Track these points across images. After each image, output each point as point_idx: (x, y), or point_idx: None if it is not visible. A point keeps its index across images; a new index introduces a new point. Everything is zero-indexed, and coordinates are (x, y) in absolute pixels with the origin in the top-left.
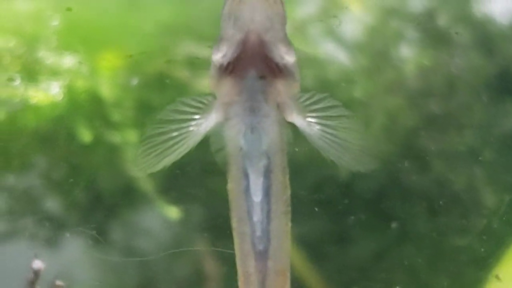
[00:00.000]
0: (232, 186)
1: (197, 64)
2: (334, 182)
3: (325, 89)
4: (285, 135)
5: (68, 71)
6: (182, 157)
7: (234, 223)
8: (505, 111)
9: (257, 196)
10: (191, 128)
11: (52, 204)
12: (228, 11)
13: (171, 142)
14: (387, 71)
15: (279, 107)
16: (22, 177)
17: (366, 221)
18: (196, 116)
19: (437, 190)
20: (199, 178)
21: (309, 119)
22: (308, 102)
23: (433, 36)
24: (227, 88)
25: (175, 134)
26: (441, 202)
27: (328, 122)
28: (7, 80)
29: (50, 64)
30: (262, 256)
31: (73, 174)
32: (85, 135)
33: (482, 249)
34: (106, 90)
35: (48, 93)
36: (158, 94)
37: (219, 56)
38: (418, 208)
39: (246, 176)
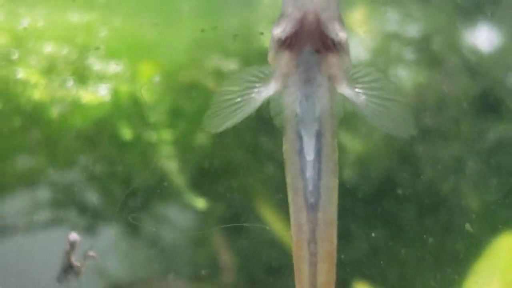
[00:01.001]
0: (288, 147)
1: (222, 75)
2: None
3: None
4: (336, 104)
5: (113, 76)
6: (212, 159)
7: (289, 179)
8: (487, 125)
9: (309, 155)
10: (252, 95)
11: (94, 195)
12: None
13: (234, 107)
14: None
15: (331, 79)
16: (68, 171)
17: (365, 219)
18: (257, 85)
19: (427, 193)
20: (225, 176)
21: (357, 90)
22: (356, 75)
23: (428, 58)
24: (285, 60)
25: (238, 99)
26: (429, 204)
27: (373, 93)
28: (61, 83)
29: (97, 70)
30: (313, 208)
31: (114, 168)
32: (126, 134)
33: (463, 249)
34: (145, 94)
35: (96, 95)
36: (189, 100)
37: (279, 31)
38: (409, 209)
39: (300, 138)
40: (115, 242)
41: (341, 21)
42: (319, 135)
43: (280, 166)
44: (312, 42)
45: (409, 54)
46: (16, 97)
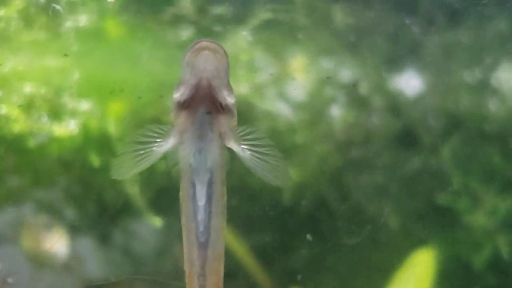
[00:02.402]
0: (183, 193)
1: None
2: (280, 205)
3: (275, 137)
4: (225, 156)
5: (84, 112)
6: (164, 183)
7: (183, 221)
8: (406, 157)
9: (201, 201)
10: (154, 148)
11: (70, 212)
12: (187, 61)
13: (138, 158)
14: (321, 125)
15: (221, 136)
16: (47, 192)
17: (302, 234)
18: (158, 140)
19: (355, 214)
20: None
21: (242, 146)
22: (242, 133)
23: (357, 100)
24: (183, 119)
25: (141, 152)
26: (357, 222)
27: (255, 149)
28: (38, 118)
29: (71, 107)
30: (204, 246)
31: (85, 190)
32: (95, 162)
33: (386, 260)
34: (112, 128)
35: (67, 129)
36: None
37: (178, 95)
38: (340, 226)
39: (193, 185)
40: (90, 250)
41: (230, 88)
42: (210, 183)
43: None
44: (205, 105)
45: (340, 96)
46: (0, 129)
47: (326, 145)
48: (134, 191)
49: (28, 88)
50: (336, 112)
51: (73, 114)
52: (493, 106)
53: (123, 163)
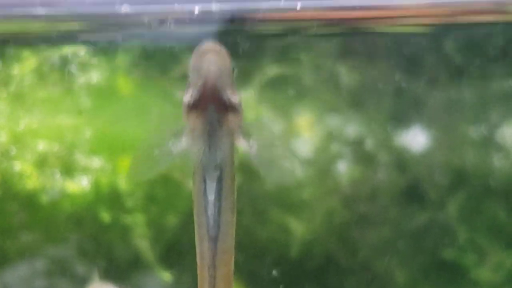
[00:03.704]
0: (195, 188)
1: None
2: (287, 260)
3: (283, 192)
4: (234, 153)
5: (96, 169)
6: (173, 238)
7: (195, 216)
8: (413, 213)
9: (211, 196)
10: (169, 148)
11: (82, 267)
12: (193, 65)
13: (154, 158)
14: (328, 181)
15: (230, 133)
16: (59, 248)
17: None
18: (172, 139)
19: (362, 268)
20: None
21: (251, 142)
22: (251, 130)
23: (363, 156)
24: (193, 119)
25: (157, 152)
26: (364, 277)
27: (263, 144)
28: (50, 175)
29: (82, 164)
30: (214, 239)
31: (96, 246)
32: (106, 217)
33: None
34: (123, 183)
35: (80, 185)
36: (162, 188)
37: (188, 96)
38: (347, 281)
39: (204, 181)
40: None
41: (233, 87)
42: (219, 179)
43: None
44: (212, 103)
45: (347, 152)
46: (13, 186)
47: (333, 200)
48: (143, 246)
49: (41, 146)
50: (343, 168)
51: (85, 170)
52: (498, 161)
53: (140, 164)
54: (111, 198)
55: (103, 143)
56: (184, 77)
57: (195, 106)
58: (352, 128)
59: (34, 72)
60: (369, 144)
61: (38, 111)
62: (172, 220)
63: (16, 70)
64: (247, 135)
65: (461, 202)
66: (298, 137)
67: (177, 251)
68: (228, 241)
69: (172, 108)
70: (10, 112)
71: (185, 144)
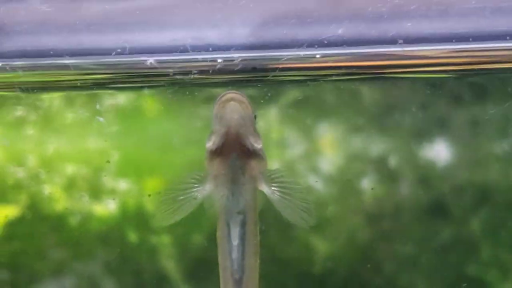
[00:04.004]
0: (219, 233)
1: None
2: (309, 276)
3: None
4: (257, 198)
5: (122, 191)
6: (199, 256)
7: (220, 260)
8: (437, 229)
9: (235, 240)
10: (193, 193)
11: (109, 286)
12: (215, 113)
13: (179, 204)
14: (350, 198)
15: (252, 179)
16: (88, 266)
17: None
18: (196, 185)
19: (387, 285)
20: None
21: (273, 188)
22: (273, 176)
23: (386, 173)
24: (216, 166)
25: (181, 198)
26: None
27: (284, 191)
28: (78, 197)
29: (109, 186)
30: (238, 283)
31: (123, 265)
32: (133, 237)
33: None
34: (149, 205)
35: (107, 207)
36: None
37: (211, 144)
38: None
39: (228, 226)
40: None
41: (256, 134)
42: (242, 224)
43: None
44: (235, 151)
45: (370, 170)
46: (43, 208)
47: (357, 218)
48: (170, 265)
49: (69, 169)
50: (366, 185)
51: (112, 193)
52: None
53: (165, 208)
54: (138, 218)
55: (129, 166)
56: (210, 100)
57: (218, 153)
58: (375, 146)
59: (62, 98)
60: (393, 161)
61: (66, 135)
62: (197, 240)
63: (44, 94)
64: (269, 181)
65: (485, 218)
66: (321, 156)
67: (202, 270)
68: (252, 284)
69: (196, 131)
70: (39, 138)
71: (208, 189)
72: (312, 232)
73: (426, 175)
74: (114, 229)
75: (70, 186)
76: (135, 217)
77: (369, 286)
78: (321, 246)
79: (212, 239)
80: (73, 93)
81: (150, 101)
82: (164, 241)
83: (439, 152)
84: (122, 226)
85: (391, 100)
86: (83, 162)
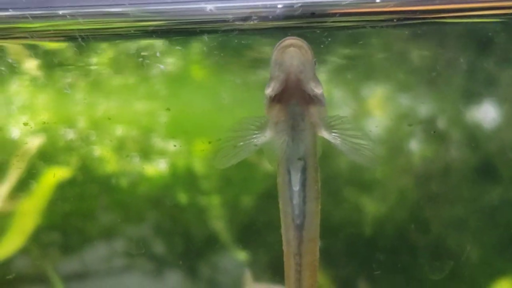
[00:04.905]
0: (280, 180)
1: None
2: (359, 238)
3: (355, 172)
4: (317, 144)
5: (172, 152)
6: (248, 218)
7: (281, 205)
8: (485, 189)
9: (296, 186)
10: (253, 140)
11: (159, 247)
12: (274, 59)
13: (238, 149)
14: (400, 160)
15: (312, 125)
16: (138, 227)
17: (384, 267)
18: (256, 131)
19: (435, 248)
20: (264, 231)
21: (333, 133)
22: (333, 122)
23: (434, 134)
24: (276, 112)
25: (241, 143)
26: (437, 255)
27: (345, 135)
28: (128, 158)
29: (159, 147)
30: (299, 228)
31: (173, 226)
32: (183, 199)
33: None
34: (198, 166)
35: (157, 168)
36: (237, 170)
37: (270, 90)
38: (420, 259)
39: (288, 172)
40: (178, 284)
41: (316, 80)
42: (303, 170)
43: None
44: (295, 97)
45: (418, 131)
46: (94, 170)
47: (405, 179)
48: (219, 226)
49: (119, 131)
50: (415, 146)
51: (162, 154)
52: None
53: (225, 154)
54: (187, 180)
55: (178, 127)
56: (257, 63)
57: (278, 99)
58: (423, 107)
59: (112, 61)
60: (441, 122)
61: (115, 98)
62: (247, 201)
63: (95, 59)
64: (329, 126)
65: None
66: (370, 117)
67: (252, 231)
68: (313, 229)
69: (245, 92)
70: (90, 101)
71: (268, 136)
72: (362, 193)
73: (474, 135)
74: (164, 191)
75: (120, 147)
76: (184, 178)
77: (418, 248)
78: (370, 208)
79: (262, 202)
80: (124, 50)
81: (197, 66)
82: (214, 202)
83: (488, 112)
84: (172, 188)
85: (440, 58)
86: (133, 123)
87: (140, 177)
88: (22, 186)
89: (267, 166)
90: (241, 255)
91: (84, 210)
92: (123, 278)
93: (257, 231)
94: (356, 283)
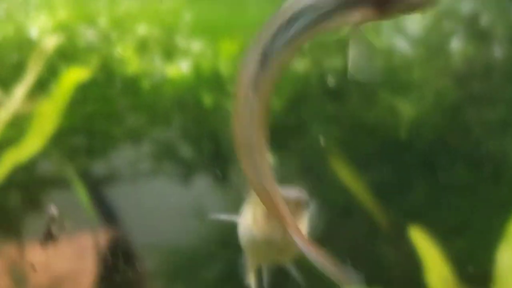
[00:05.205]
0: None
1: None
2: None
3: (390, 74)
4: None
5: (196, 53)
6: (275, 122)
7: None
8: None
9: None
10: None
11: (185, 151)
12: None
13: None
14: (439, 60)
15: None
16: (163, 131)
17: (420, 171)
18: None
19: (475, 149)
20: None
21: None
22: None
23: (477, 32)
24: None
25: None
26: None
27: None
28: (151, 59)
29: (183, 48)
30: None
31: (200, 129)
32: (208, 102)
33: (507, 196)
34: (224, 68)
35: (180, 70)
36: None
37: None
38: (458, 162)
39: None
40: (205, 189)
41: None
42: None
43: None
44: None
45: (459, 29)
46: (114, 70)
47: (445, 79)
48: None
49: (141, 30)
50: (455, 45)
51: (185, 54)
52: None
53: None
54: (213, 82)
55: (202, 27)
56: None
57: None
58: (465, 3)
59: None
60: (484, 19)
61: None
62: (276, 104)
63: None
64: None
65: None
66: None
67: (280, 135)
68: None
69: None
70: None
71: None
72: (397, 95)
73: None
74: (189, 93)
75: (143, 47)
76: (209, 79)
77: (457, 151)
78: (406, 110)
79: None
80: None
81: None
82: None
83: None
84: (197, 90)
85: None
86: (155, 22)
87: (164, 79)
88: (41, 87)
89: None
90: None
91: (107, 112)
92: (149, 184)
93: (286, 134)
94: (390, 187)
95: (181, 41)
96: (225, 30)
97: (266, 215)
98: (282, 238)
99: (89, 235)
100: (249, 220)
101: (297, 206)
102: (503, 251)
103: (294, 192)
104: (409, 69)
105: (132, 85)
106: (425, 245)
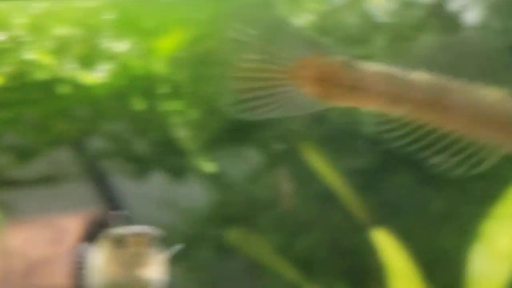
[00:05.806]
0: None
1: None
2: None
3: None
4: None
5: (122, 53)
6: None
7: None
8: None
9: None
10: None
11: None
12: None
13: None
14: None
15: None
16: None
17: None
18: None
19: None
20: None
21: None
22: None
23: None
24: None
25: None
26: None
27: None
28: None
29: (108, 49)
30: None
31: (135, 130)
32: (138, 105)
33: None
34: (157, 67)
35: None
36: (206, 68)
37: None
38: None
39: None
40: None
41: None
42: None
43: None
44: None
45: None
46: (30, 74)
47: None
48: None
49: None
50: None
51: (110, 57)
52: None
53: None
54: (144, 83)
55: (130, 25)
56: None
57: None
58: None
59: None
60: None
61: None
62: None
63: None
64: None
65: None
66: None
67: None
68: None
69: None
70: None
71: None
72: None
73: None
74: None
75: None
76: (140, 81)
77: None
78: None
79: None
80: None
81: None
82: (174, 107)
83: None
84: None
85: None
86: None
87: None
88: None
89: None
90: (207, 167)
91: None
92: None
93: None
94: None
95: (105, 42)
96: (155, 28)
97: (116, 258)
98: (132, 280)
99: (69, 218)
100: (101, 263)
101: (141, 243)
102: (475, 254)
103: (140, 228)
104: None
105: (45, 89)
106: (389, 251)
